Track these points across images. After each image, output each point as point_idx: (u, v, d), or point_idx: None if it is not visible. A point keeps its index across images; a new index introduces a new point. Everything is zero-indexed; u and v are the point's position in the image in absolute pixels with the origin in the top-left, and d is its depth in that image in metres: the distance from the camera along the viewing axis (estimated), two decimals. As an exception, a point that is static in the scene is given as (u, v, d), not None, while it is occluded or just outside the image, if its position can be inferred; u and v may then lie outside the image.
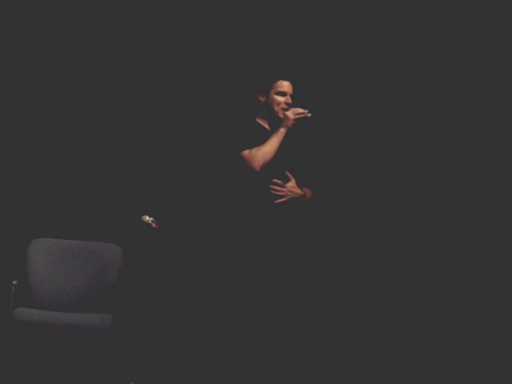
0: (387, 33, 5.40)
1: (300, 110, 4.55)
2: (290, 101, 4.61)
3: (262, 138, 4.54)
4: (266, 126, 4.65)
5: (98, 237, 5.21)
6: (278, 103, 4.60)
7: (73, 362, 4.78)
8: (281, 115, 4.59)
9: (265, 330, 4.42)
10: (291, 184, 4.59)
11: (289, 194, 4.56)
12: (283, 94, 4.61)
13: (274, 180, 4.54)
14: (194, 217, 5.33)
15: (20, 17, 5.40)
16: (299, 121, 4.55)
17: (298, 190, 4.60)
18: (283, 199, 4.54)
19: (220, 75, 5.44)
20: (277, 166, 4.53)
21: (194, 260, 5.24)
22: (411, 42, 5.38)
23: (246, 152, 4.48)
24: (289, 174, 4.60)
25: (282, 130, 4.53)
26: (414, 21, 5.38)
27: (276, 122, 4.60)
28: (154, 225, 4.63)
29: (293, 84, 4.65)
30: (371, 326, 5.23)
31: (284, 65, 5.13)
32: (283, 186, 4.55)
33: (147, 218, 4.65)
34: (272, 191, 4.54)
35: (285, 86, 4.62)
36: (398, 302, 5.25)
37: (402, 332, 5.21)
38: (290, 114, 4.54)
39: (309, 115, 4.54)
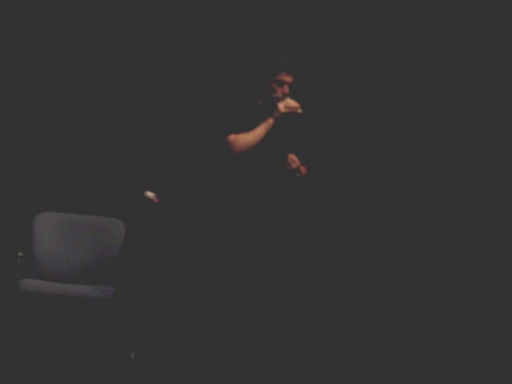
0: (386, 30, 5.40)
1: (292, 104, 4.51)
2: (287, 91, 4.57)
3: (260, 118, 4.55)
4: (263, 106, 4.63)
5: (101, 211, 5.24)
6: (275, 91, 4.56)
7: (76, 332, 4.82)
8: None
9: (263, 308, 4.51)
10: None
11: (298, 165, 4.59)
12: (282, 83, 4.57)
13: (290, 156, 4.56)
14: (195, 192, 5.33)
15: (20, 17, 5.41)
16: (289, 114, 4.52)
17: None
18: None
19: (222, 59, 5.44)
20: (266, 153, 4.55)
21: (194, 234, 5.23)
22: (407, 39, 5.38)
23: (232, 136, 4.48)
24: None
25: (270, 121, 4.51)
26: (411, 16, 5.38)
27: (271, 104, 4.57)
28: (156, 200, 4.68)
29: (294, 76, 4.61)
30: (368, 324, 5.25)
31: (289, 56, 5.12)
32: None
33: (150, 193, 4.71)
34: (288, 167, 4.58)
35: (286, 76, 4.57)
36: (394, 300, 5.28)
37: (397, 329, 5.24)
38: (282, 106, 4.50)
39: (299, 111, 4.51)
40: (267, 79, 4.59)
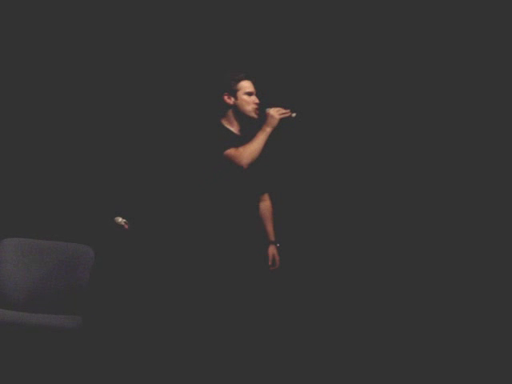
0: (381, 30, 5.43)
1: (283, 110, 4.55)
2: (257, 100, 4.62)
3: (230, 140, 4.54)
4: (232, 129, 4.64)
5: (69, 237, 5.20)
6: (249, 103, 4.59)
7: (41, 363, 4.74)
8: (253, 114, 4.59)
9: (234, 331, 4.51)
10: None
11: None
12: (251, 93, 4.62)
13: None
14: (166, 219, 5.35)
15: (20, 17, 5.41)
16: (283, 120, 4.55)
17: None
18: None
19: (182, 76, 5.46)
20: (257, 166, 4.56)
21: (165, 261, 5.26)
22: (402, 40, 5.41)
23: (232, 150, 4.47)
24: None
25: (268, 130, 4.53)
26: (403, 17, 5.41)
27: (246, 121, 4.61)
28: (126, 226, 4.65)
29: (255, 83, 4.67)
30: (367, 325, 5.26)
31: (249, 63, 5.13)
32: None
33: (120, 219, 4.68)
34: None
35: (251, 85, 4.63)
36: (393, 300, 5.29)
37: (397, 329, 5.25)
38: (275, 113, 4.53)
39: (293, 115, 4.54)
40: (237, 93, 4.61)
